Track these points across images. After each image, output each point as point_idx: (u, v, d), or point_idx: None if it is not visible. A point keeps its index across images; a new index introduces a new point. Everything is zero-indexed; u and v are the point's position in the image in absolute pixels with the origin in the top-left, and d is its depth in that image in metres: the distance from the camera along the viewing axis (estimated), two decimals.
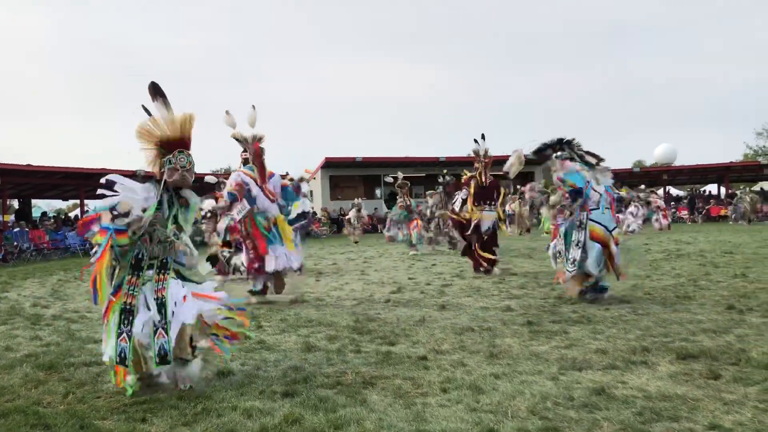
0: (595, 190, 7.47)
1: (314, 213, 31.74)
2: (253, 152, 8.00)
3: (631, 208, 23.89)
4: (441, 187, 17.61)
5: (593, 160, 7.63)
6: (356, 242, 22.72)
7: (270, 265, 7.83)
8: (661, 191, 38.31)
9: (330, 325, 6.43)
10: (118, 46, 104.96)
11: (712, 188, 43.45)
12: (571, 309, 6.95)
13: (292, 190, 8.55)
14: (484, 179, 11.10)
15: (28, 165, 23.64)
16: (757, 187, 38.79)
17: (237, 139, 8.11)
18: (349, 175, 41.52)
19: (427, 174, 41.97)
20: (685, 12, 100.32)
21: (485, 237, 10.91)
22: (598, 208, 7.44)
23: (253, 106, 7.99)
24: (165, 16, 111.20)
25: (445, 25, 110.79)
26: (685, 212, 34.11)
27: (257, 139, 8.03)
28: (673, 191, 42.22)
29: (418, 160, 40.46)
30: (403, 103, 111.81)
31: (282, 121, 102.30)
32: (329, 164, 39.51)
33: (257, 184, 7.89)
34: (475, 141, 11.20)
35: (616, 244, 7.54)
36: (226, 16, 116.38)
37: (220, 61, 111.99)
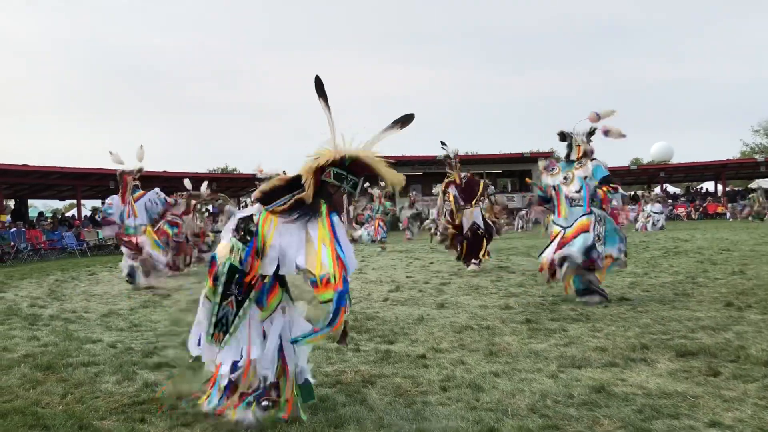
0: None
1: None
2: (122, 183, 10.64)
3: (655, 207, 24.39)
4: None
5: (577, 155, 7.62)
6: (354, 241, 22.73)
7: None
8: (658, 189, 38.40)
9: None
10: (114, 46, 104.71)
11: (708, 186, 43.53)
12: (570, 307, 6.95)
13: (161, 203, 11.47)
14: (459, 180, 11.46)
15: (24, 165, 23.57)
16: (753, 185, 38.86)
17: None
18: None
19: (425, 173, 42.03)
20: (681, 10, 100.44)
21: (469, 234, 11.13)
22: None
23: (141, 145, 11.21)
24: (159, 15, 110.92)
25: (443, 23, 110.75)
26: (683, 209, 34.15)
27: (126, 173, 10.68)
28: (670, 189, 42.28)
29: (416, 159, 40.45)
30: (400, 101, 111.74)
31: (279, 120, 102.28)
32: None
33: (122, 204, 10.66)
34: (443, 145, 11.69)
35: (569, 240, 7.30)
36: (222, 15, 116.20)
37: (217, 60, 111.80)
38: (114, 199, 10.87)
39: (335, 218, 3.47)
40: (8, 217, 24.13)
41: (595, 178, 7.44)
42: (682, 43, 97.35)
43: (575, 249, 7.18)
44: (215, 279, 3.64)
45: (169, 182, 29.44)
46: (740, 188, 42.22)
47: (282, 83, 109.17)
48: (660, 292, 7.84)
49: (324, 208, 3.45)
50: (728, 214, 30.67)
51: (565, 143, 7.69)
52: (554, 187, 7.63)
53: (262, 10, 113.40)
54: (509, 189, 43.05)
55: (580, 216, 7.35)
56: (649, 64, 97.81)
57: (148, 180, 30.26)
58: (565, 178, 7.56)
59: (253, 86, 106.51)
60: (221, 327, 3.59)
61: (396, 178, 3.54)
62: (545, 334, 5.60)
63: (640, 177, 43.18)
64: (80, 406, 3.95)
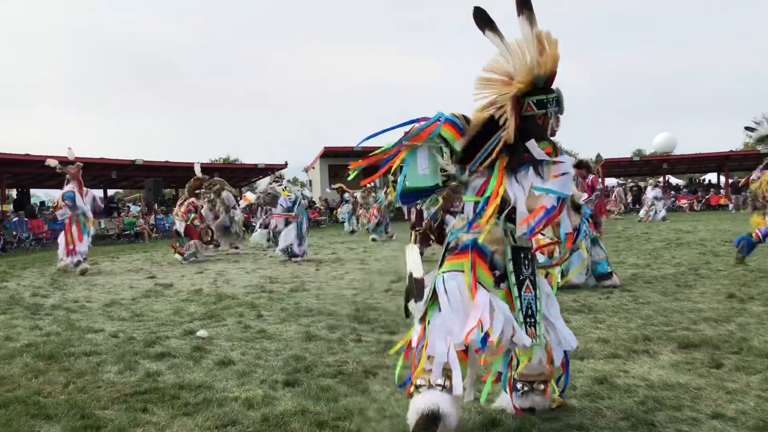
0: None
1: (312, 202, 31.69)
2: (73, 174, 11.86)
3: (655, 191, 24.37)
4: None
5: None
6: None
7: (82, 247, 11.90)
8: (661, 179, 38.27)
9: (330, 315, 6.42)
10: (117, 35, 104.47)
11: (711, 177, 43.41)
12: (572, 298, 6.94)
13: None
14: None
15: (27, 154, 23.55)
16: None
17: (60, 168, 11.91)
18: (348, 165, 41.41)
19: None
20: (685, 2, 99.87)
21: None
22: None
23: (69, 147, 12.35)
24: (159, 4, 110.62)
25: (446, 12, 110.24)
26: (685, 201, 34.07)
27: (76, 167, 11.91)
28: (673, 180, 42.18)
29: None
30: (403, 91, 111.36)
31: (281, 110, 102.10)
32: (328, 153, 39.39)
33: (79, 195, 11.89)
34: None
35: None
36: (222, 3, 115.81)
37: (218, 49, 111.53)
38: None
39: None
40: (10, 206, 24.13)
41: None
42: (685, 34, 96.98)
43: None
44: (493, 267, 3.11)
45: (172, 172, 29.50)
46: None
47: (285, 71, 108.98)
48: (662, 283, 7.82)
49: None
50: (731, 206, 30.58)
51: None
52: None
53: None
54: None
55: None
56: (652, 55, 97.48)
57: (150, 170, 30.24)
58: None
59: (255, 75, 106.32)
60: (530, 320, 3.09)
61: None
62: None
63: (643, 168, 43.07)
64: (82, 395, 3.95)
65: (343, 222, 23.22)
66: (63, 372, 4.49)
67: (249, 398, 3.77)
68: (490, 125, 3.06)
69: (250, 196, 17.33)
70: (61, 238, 12.07)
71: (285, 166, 34.15)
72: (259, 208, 16.31)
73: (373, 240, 18.03)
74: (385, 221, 19.12)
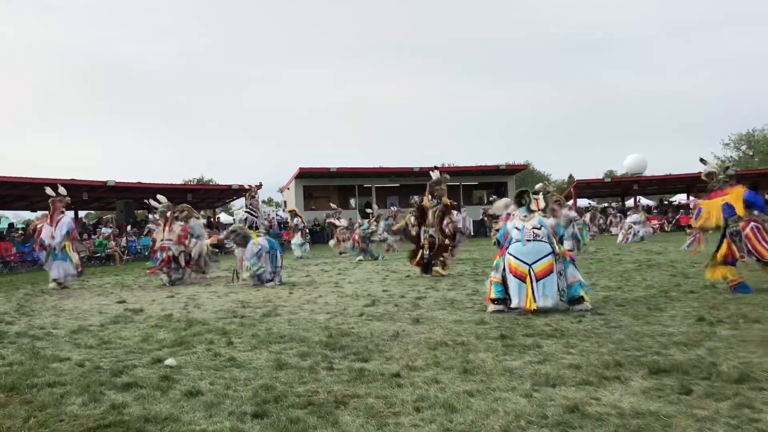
0: (516, 227, 8.01)
1: (286, 223, 31.55)
2: (53, 206, 13.60)
3: (634, 217, 25.31)
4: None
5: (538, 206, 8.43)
6: (342, 253, 22.56)
7: (53, 273, 13.40)
8: (631, 201, 38.78)
9: (302, 341, 6.34)
10: (91, 54, 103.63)
11: (681, 198, 44.14)
12: (544, 322, 6.95)
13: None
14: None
15: None
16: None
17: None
18: (323, 185, 41.43)
19: (402, 184, 42.05)
20: (655, 26, 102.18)
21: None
22: (519, 241, 7.88)
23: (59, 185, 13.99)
24: (137, 24, 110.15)
25: (420, 35, 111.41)
26: (656, 222, 34.55)
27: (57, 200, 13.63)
28: (644, 201, 42.83)
29: (393, 171, 40.48)
30: (378, 113, 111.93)
31: (256, 131, 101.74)
32: (303, 174, 39.33)
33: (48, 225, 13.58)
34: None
35: (542, 275, 7.68)
36: (201, 24, 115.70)
37: (196, 68, 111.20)
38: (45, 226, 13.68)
39: None
40: None
41: (558, 232, 8.24)
42: (656, 58, 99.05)
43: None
44: None
45: (144, 193, 29.16)
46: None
47: (261, 92, 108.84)
48: (633, 306, 7.88)
49: None
50: None
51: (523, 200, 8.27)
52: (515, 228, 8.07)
53: (243, 19, 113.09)
54: (485, 201, 43.28)
55: (546, 255, 7.78)
56: (624, 78, 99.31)
57: (122, 191, 29.87)
58: (525, 216, 8.12)
59: (232, 95, 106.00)
60: None
61: None
62: (519, 351, 5.58)
63: (614, 189, 43.64)
64: (43, 430, 3.83)
65: (296, 248, 23.05)
66: (24, 405, 4.36)
67: (216, 431, 3.69)
68: None
69: (220, 236, 16.97)
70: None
71: (260, 186, 34.01)
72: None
73: (360, 261, 19.00)
74: (368, 247, 20.02)
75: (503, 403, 4.09)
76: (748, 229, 8.76)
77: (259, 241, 12.56)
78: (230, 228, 13.87)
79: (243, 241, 12.75)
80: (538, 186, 11.85)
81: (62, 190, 13.64)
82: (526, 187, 9.03)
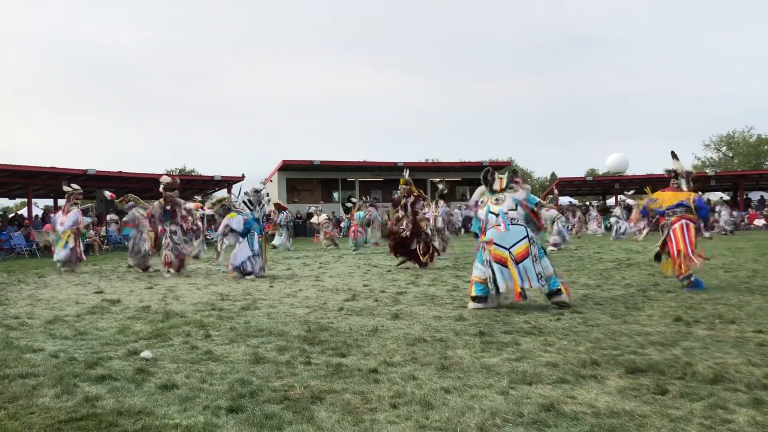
0: (492, 212, 8.03)
1: (268, 216, 31.35)
2: (67, 199, 15.22)
3: (617, 212, 25.90)
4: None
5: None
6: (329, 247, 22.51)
7: (57, 255, 14.74)
8: (612, 200, 39.03)
9: (281, 335, 6.30)
10: (72, 41, 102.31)
11: None
12: (523, 319, 6.98)
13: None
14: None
15: None
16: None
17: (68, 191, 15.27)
18: (306, 178, 41.29)
19: (385, 178, 42.03)
20: (638, 26, 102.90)
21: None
22: (500, 226, 7.90)
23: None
24: (119, 12, 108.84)
25: (406, 30, 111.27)
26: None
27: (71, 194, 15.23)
28: (628, 201, 43.11)
29: (376, 165, 40.45)
30: (363, 106, 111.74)
31: (239, 122, 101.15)
32: (286, 167, 39.13)
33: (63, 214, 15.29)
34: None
35: (521, 259, 7.76)
36: (183, 12, 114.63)
37: (177, 59, 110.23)
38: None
39: None
40: None
41: (530, 203, 8.15)
42: (639, 57, 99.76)
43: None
44: None
45: (125, 182, 28.84)
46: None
47: (244, 83, 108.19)
48: (612, 305, 7.93)
49: None
50: None
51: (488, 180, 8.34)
52: (489, 212, 8.11)
53: (226, 8, 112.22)
54: (468, 197, 43.37)
55: (522, 239, 7.84)
56: (607, 77, 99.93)
57: (103, 180, 29.60)
58: (497, 199, 8.14)
59: (215, 85, 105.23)
60: None
61: None
62: (498, 348, 5.59)
63: (596, 188, 43.91)
64: (13, 422, 3.76)
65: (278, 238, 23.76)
66: None
67: (190, 426, 3.64)
68: None
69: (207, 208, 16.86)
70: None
71: (242, 178, 33.81)
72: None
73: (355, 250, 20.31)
74: (366, 232, 22.30)
75: (479, 400, 4.08)
76: (677, 225, 9.61)
77: (232, 219, 12.60)
78: (218, 197, 14.07)
79: (225, 213, 12.91)
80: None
81: (76, 186, 15.35)
82: (488, 167, 9.17)
